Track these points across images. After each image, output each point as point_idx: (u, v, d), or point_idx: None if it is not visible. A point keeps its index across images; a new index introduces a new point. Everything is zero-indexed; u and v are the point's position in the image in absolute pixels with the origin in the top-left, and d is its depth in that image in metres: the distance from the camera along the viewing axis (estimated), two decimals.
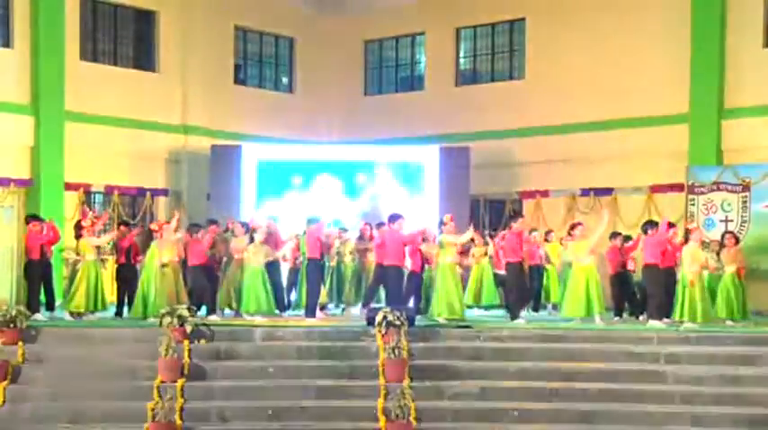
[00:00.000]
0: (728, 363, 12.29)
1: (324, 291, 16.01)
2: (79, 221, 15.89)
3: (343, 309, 16.57)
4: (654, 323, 14.13)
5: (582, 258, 14.68)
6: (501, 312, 16.56)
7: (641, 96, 19.42)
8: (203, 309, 14.83)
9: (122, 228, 16.07)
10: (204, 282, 14.97)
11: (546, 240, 17.53)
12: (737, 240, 15.56)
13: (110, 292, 16.37)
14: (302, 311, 15.45)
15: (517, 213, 16.29)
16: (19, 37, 18.69)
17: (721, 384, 11.81)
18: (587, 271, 14.61)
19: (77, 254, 15.06)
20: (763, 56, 18.31)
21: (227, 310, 15.33)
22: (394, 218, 14.77)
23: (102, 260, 16.07)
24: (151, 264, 14.49)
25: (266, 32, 23.43)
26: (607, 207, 19.50)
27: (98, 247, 15.26)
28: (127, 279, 15.42)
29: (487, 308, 17.23)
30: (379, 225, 16.11)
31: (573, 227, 15.35)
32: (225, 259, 15.54)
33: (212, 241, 15.28)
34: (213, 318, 14.47)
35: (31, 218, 15.56)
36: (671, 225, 15.22)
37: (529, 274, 16.23)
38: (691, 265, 14.16)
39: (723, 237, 15.85)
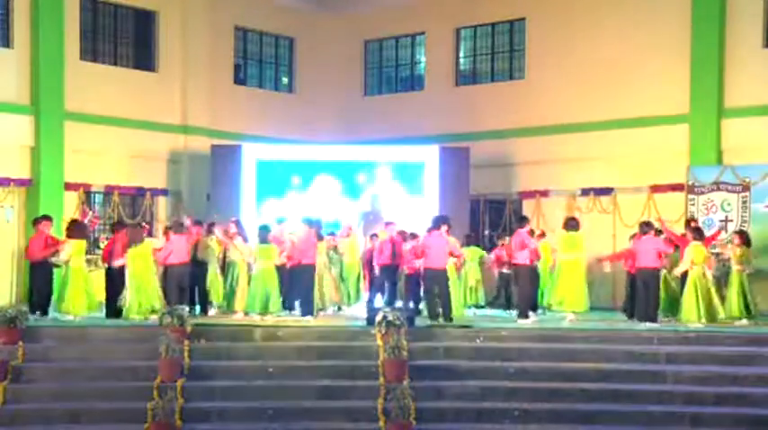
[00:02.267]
0: (728, 363, 12.30)
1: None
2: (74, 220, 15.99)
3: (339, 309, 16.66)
4: (651, 325, 14.19)
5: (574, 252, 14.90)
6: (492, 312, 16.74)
7: (641, 96, 19.41)
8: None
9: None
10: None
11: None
12: (742, 240, 15.40)
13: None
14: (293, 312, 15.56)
15: (523, 218, 16.30)
16: (19, 37, 18.68)
17: (721, 384, 11.81)
18: (572, 266, 14.81)
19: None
20: (763, 56, 18.30)
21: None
22: (444, 220, 14.85)
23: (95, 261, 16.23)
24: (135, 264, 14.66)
25: (266, 32, 23.42)
26: (607, 207, 19.74)
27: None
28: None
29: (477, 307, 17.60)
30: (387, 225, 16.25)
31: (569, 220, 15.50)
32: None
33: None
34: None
35: (44, 219, 15.47)
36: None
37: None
38: (689, 263, 14.27)
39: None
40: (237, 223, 15.90)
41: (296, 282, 15.38)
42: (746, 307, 14.91)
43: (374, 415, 11.17)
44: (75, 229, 14.82)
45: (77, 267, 14.53)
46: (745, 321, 14.71)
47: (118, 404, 11.48)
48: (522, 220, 15.81)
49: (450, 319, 14.18)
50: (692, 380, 11.94)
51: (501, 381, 12.03)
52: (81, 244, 14.72)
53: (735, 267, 15.11)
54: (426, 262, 14.67)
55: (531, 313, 15.11)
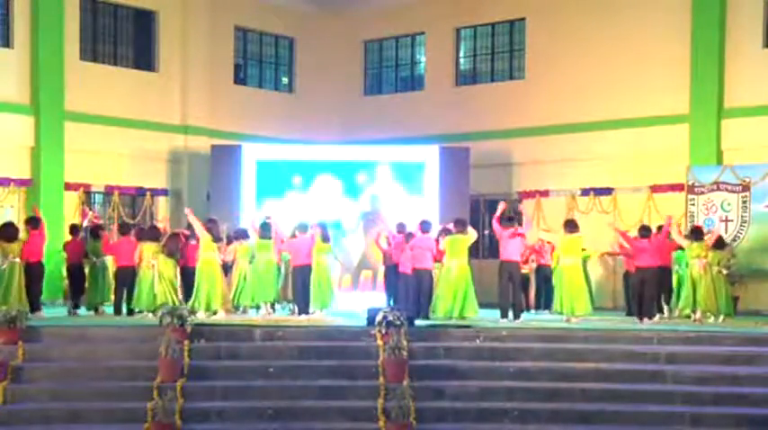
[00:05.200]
0: (728, 363, 12.30)
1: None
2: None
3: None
4: (653, 320, 14.54)
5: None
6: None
7: (641, 96, 19.42)
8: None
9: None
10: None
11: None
12: (715, 243, 15.66)
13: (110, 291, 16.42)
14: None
15: (510, 218, 16.15)
16: (19, 37, 18.70)
17: (721, 384, 11.80)
18: (572, 269, 14.96)
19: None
20: (763, 56, 18.32)
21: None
22: (428, 226, 15.35)
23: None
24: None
25: (266, 32, 23.43)
26: (607, 207, 19.75)
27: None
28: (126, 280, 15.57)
29: None
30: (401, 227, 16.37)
31: (568, 223, 15.52)
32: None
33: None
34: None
35: (37, 220, 15.64)
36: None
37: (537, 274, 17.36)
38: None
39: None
40: (209, 221, 15.81)
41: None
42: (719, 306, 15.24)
43: (374, 415, 11.16)
44: None
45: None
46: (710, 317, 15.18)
47: (118, 404, 11.46)
48: (510, 221, 15.66)
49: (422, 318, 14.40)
50: (692, 380, 11.93)
51: (501, 381, 12.02)
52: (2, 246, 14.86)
53: (715, 268, 15.33)
54: (413, 263, 15.42)
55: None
